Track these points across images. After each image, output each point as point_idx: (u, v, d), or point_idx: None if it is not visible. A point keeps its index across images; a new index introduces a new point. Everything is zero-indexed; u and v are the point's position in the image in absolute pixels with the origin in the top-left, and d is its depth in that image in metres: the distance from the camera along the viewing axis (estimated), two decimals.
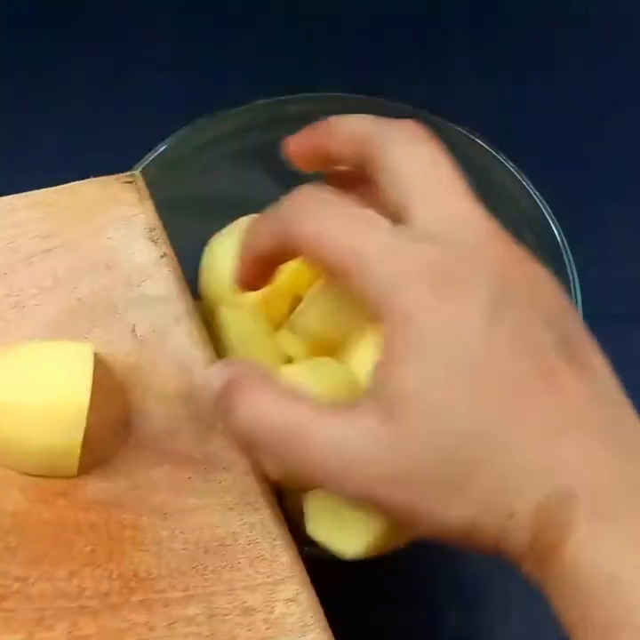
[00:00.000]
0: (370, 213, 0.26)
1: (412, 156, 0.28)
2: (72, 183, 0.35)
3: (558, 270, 0.40)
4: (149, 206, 0.35)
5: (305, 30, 0.57)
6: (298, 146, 0.32)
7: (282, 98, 0.43)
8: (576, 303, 0.39)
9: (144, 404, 0.31)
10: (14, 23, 0.57)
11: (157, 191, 0.43)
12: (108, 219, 0.34)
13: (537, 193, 0.41)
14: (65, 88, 0.55)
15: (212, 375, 0.28)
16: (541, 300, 0.26)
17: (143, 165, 0.41)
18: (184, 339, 0.32)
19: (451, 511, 0.25)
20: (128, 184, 0.35)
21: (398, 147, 0.28)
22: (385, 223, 0.26)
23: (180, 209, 0.43)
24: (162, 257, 0.34)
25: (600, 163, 0.53)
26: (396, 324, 0.25)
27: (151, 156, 0.41)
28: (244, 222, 0.44)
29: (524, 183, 0.41)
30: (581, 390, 0.25)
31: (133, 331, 0.32)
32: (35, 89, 0.55)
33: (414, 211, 0.26)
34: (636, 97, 0.55)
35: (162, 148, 0.42)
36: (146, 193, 0.35)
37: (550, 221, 0.40)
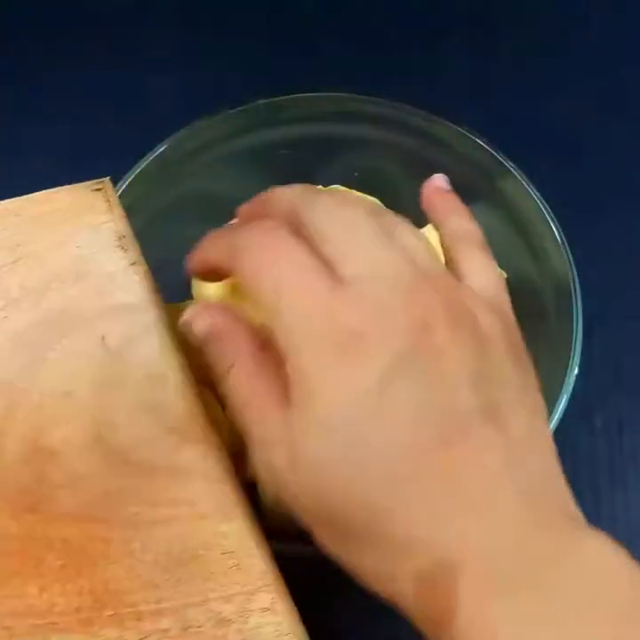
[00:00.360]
0: (316, 265, 0.27)
1: (332, 217, 0.28)
2: (39, 192, 0.34)
3: (559, 271, 0.40)
4: (119, 213, 0.34)
5: (305, 30, 0.57)
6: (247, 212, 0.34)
7: (282, 98, 0.43)
8: (576, 303, 0.39)
9: (114, 416, 0.31)
10: (15, 24, 0.57)
11: (157, 191, 0.43)
12: (77, 227, 0.33)
13: (537, 193, 0.41)
14: (64, 88, 0.55)
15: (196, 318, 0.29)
16: (457, 362, 0.25)
17: (143, 165, 0.41)
18: (154, 348, 0.32)
19: (351, 557, 0.26)
20: (97, 191, 0.35)
21: (321, 210, 0.28)
22: (325, 281, 0.26)
23: (179, 209, 0.43)
24: (132, 264, 0.33)
25: (600, 163, 0.53)
26: (296, 381, 0.26)
27: (151, 156, 0.41)
28: None
29: (523, 183, 0.41)
30: (486, 460, 0.25)
31: (103, 341, 0.32)
32: (34, 89, 0.55)
33: (342, 267, 0.27)
34: (637, 97, 0.55)
35: (162, 148, 0.42)
36: (115, 199, 0.35)
37: (550, 221, 0.40)
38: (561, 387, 0.38)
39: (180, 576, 0.28)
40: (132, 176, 0.41)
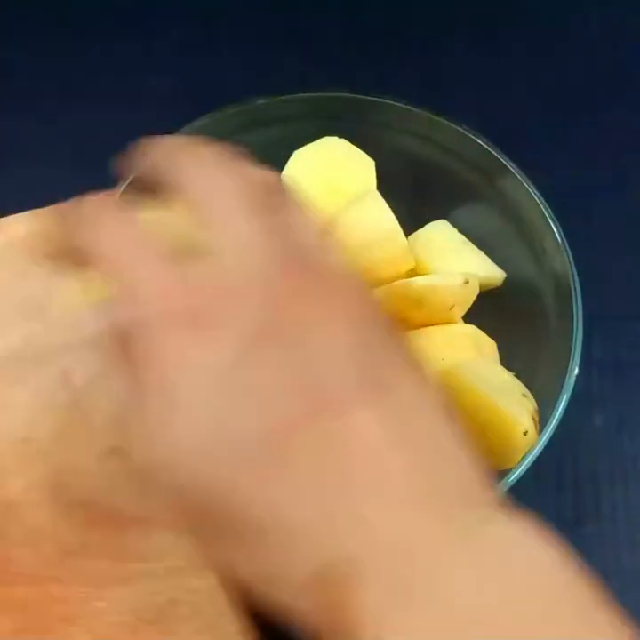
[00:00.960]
0: (153, 242, 0.25)
1: (195, 180, 0.26)
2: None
3: (559, 271, 0.40)
4: None
5: (305, 30, 0.57)
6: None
7: (282, 98, 0.43)
8: (576, 303, 0.39)
9: (79, 461, 0.28)
10: (16, 24, 0.57)
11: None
12: (41, 256, 0.30)
13: (537, 193, 0.41)
14: (65, 88, 0.55)
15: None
16: (322, 336, 0.23)
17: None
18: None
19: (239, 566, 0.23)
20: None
21: (185, 172, 0.27)
22: (163, 258, 0.25)
23: None
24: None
25: (600, 163, 0.53)
26: (145, 364, 0.23)
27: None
28: None
29: (524, 183, 0.41)
30: (366, 435, 0.22)
31: (66, 380, 0.29)
32: (35, 89, 0.55)
33: (204, 234, 0.25)
34: (636, 98, 0.55)
35: None
36: None
37: (550, 221, 0.40)
38: (561, 387, 0.38)
39: (145, 637, 0.26)
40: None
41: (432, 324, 0.41)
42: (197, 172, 0.26)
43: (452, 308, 0.40)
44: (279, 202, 0.27)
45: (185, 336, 0.23)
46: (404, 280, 0.40)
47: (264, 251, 0.24)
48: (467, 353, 0.40)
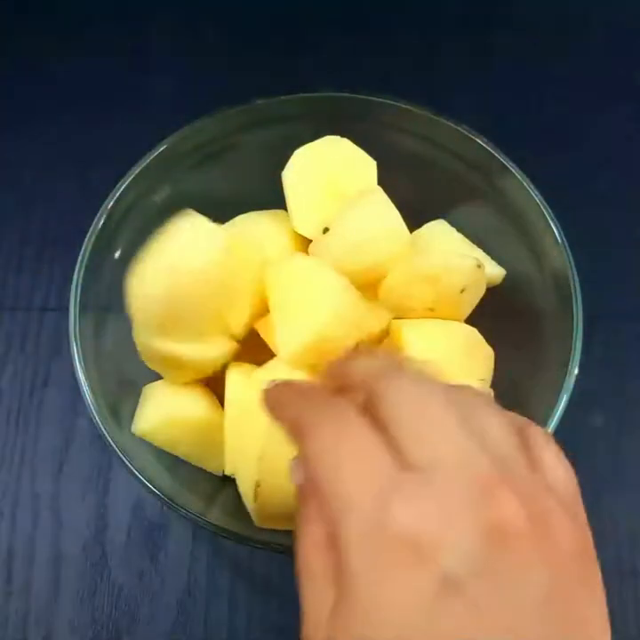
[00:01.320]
0: (381, 452, 0.25)
1: (407, 401, 0.26)
2: None
3: (559, 271, 0.40)
4: None
5: (305, 30, 0.57)
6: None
7: (282, 98, 0.43)
8: (576, 303, 0.39)
9: None
10: (14, 24, 0.57)
11: (157, 191, 0.43)
12: None
13: (537, 193, 0.41)
14: (65, 88, 0.55)
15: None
16: (530, 586, 0.23)
17: (143, 165, 0.41)
18: None
19: None
20: None
21: (396, 391, 0.27)
22: (389, 469, 0.25)
23: (179, 209, 0.43)
24: None
25: (600, 163, 0.53)
26: (343, 577, 0.24)
27: (151, 156, 0.41)
28: (241, 221, 0.44)
29: (524, 183, 0.41)
30: None
31: None
32: (35, 90, 0.55)
33: (411, 454, 0.25)
34: (636, 97, 0.55)
35: (162, 148, 0.42)
36: None
37: (550, 222, 0.40)
38: (561, 387, 0.38)
39: None
40: (132, 176, 0.41)
41: (440, 312, 0.40)
42: (390, 389, 0.27)
43: (462, 292, 0.39)
44: (470, 408, 0.26)
45: (382, 553, 0.23)
46: (418, 257, 0.40)
47: (472, 467, 0.24)
48: (453, 353, 0.40)
